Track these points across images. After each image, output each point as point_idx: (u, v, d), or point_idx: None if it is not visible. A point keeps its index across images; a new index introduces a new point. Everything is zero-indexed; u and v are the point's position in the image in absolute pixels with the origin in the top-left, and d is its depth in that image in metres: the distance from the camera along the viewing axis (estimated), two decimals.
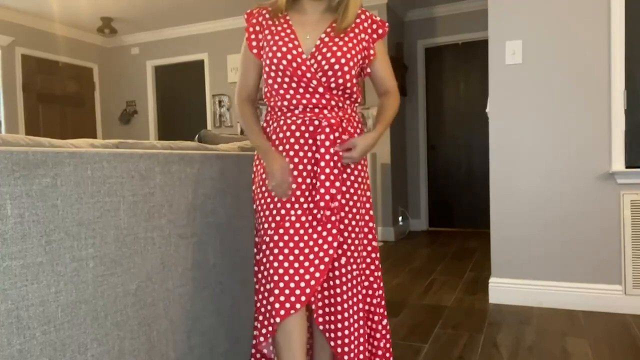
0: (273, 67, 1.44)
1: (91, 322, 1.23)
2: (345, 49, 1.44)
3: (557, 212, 2.73)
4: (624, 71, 2.57)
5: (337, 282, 1.47)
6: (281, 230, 1.41)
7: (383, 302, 1.60)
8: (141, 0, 5.17)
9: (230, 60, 5.95)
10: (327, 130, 1.43)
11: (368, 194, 1.59)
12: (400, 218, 5.39)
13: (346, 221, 1.49)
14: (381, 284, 1.60)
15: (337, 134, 1.46)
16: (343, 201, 1.48)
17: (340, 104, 1.49)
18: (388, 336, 1.61)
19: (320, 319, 1.48)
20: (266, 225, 1.45)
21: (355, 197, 1.52)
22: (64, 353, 1.16)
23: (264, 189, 1.49)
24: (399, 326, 2.49)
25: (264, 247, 1.45)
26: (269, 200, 1.46)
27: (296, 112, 1.46)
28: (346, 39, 1.46)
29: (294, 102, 1.46)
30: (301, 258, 1.39)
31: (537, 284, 2.77)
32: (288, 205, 1.43)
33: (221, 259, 1.71)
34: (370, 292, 1.58)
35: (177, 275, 1.52)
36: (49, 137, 1.25)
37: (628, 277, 2.58)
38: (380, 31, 1.53)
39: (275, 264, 1.39)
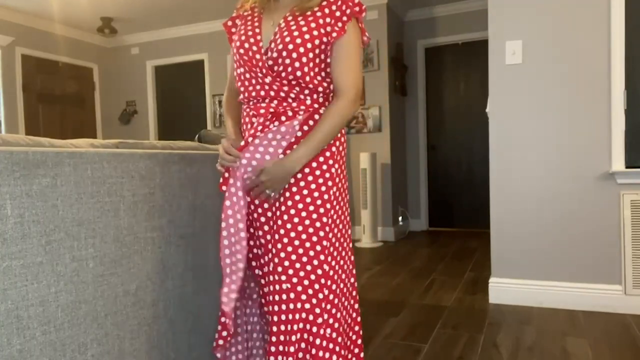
0: (235, 58, 1.40)
1: (91, 322, 1.23)
2: (296, 33, 1.28)
3: (557, 212, 2.73)
4: (624, 71, 2.57)
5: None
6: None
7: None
8: (141, 0, 5.17)
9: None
10: (254, 121, 1.36)
11: (327, 202, 1.33)
12: (400, 218, 5.39)
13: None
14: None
15: (267, 123, 1.34)
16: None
17: (293, 95, 1.33)
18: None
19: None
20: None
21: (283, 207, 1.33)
22: (64, 353, 1.16)
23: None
24: (399, 326, 2.49)
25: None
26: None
27: (251, 104, 1.39)
28: (302, 22, 1.30)
29: (246, 94, 1.38)
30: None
31: (537, 284, 2.77)
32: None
33: None
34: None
35: (177, 275, 1.52)
36: (49, 137, 1.25)
37: (628, 277, 2.58)
38: (348, 12, 1.31)
39: None
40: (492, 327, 2.44)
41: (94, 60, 6.39)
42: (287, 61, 1.28)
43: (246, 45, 1.35)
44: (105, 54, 6.56)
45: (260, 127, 1.34)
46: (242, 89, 1.39)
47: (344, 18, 1.31)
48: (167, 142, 1.60)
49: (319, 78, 1.34)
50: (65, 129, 5.94)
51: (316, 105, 1.35)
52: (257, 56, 1.32)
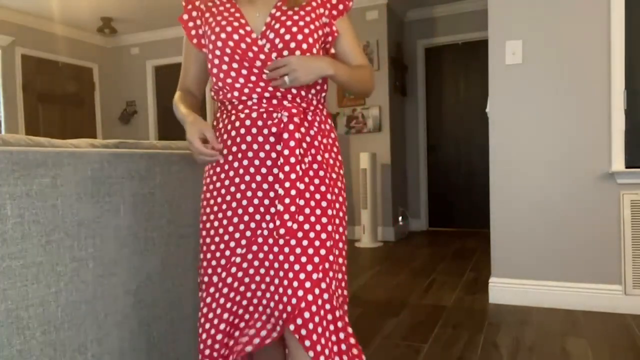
0: (218, 53, 1.23)
1: (91, 322, 1.23)
2: (302, 23, 1.21)
3: (557, 212, 2.73)
4: (624, 71, 2.57)
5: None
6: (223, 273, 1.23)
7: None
8: (141, 0, 5.17)
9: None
10: (291, 127, 1.19)
11: (341, 199, 1.30)
12: (400, 218, 5.39)
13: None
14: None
15: (301, 131, 1.23)
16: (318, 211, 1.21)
17: (303, 92, 1.25)
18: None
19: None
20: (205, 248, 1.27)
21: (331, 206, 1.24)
22: (64, 353, 1.16)
23: (207, 205, 1.29)
24: (399, 326, 2.49)
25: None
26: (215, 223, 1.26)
27: (249, 103, 1.23)
28: (302, 13, 1.23)
29: (246, 91, 1.23)
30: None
31: (537, 284, 2.77)
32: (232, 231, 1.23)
33: None
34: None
35: (177, 275, 1.52)
36: (49, 137, 1.25)
37: (628, 277, 2.58)
38: (340, 7, 1.31)
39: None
40: (492, 327, 2.44)
41: (94, 60, 6.39)
42: (298, 53, 1.21)
43: (235, 36, 1.21)
44: (105, 54, 6.56)
45: (293, 143, 1.19)
46: (237, 85, 1.24)
47: (334, 12, 1.31)
48: (167, 142, 1.60)
49: None
50: (65, 129, 5.94)
51: (320, 106, 1.31)
52: (255, 48, 1.20)
